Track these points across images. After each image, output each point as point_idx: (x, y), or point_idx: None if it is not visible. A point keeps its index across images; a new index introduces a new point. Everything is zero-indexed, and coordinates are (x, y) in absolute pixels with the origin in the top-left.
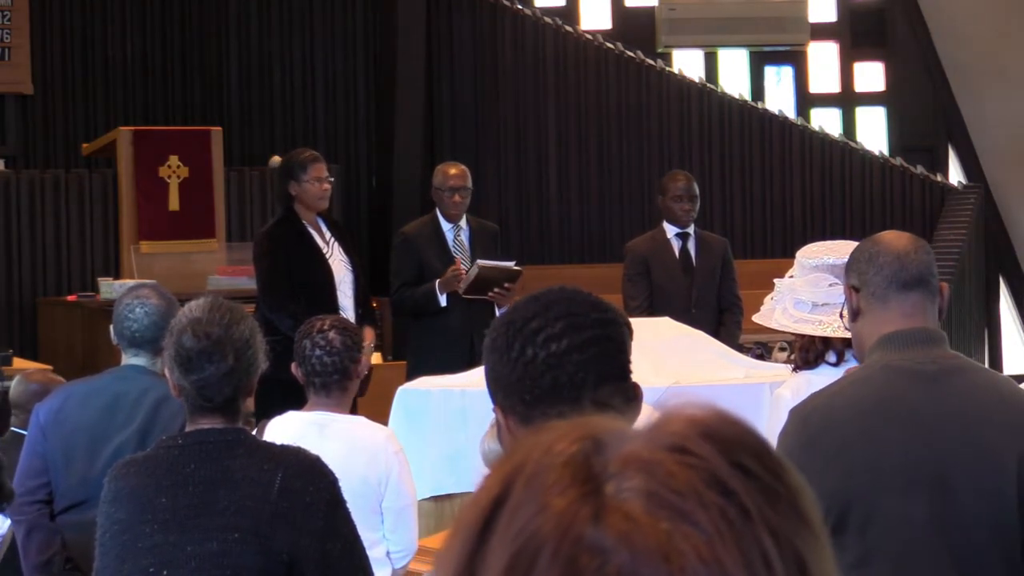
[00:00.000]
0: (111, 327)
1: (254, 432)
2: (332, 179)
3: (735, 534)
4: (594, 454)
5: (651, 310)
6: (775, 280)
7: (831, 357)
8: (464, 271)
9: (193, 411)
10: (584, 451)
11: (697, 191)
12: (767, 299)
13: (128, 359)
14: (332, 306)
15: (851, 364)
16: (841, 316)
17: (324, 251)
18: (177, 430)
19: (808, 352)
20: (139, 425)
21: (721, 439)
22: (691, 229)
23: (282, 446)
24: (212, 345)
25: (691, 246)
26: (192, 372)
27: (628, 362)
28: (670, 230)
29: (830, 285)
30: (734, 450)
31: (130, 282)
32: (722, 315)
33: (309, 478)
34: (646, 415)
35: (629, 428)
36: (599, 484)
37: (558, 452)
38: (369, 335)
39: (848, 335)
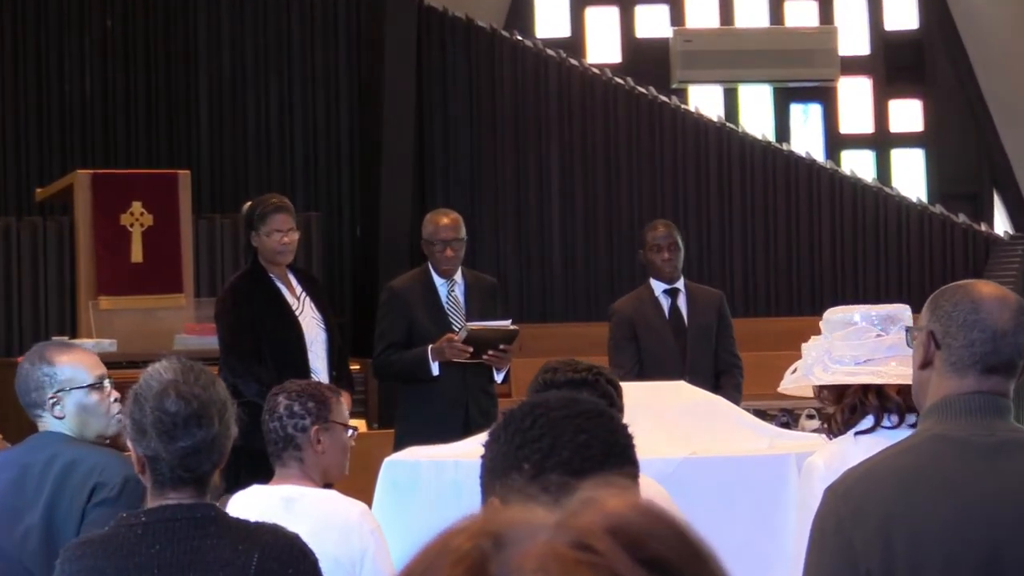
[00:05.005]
0: None
1: None
2: (296, 231)
3: None
4: (493, 552)
5: (641, 378)
6: (803, 345)
7: (887, 421)
8: (455, 338)
9: (162, 484)
10: (481, 548)
11: (679, 239)
12: (789, 370)
13: (41, 424)
14: (303, 369)
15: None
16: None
17: (294, 307)
18: (85, 500)
19: (856, 412)
20: (46, 500)
21: (628, 534)
22: (680, 284)
23: (257, 523)
24: (201, 407)
25: (681, 303)
26: (177, 439)
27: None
28: (657, 287)
29: (876, 336)
30: (642, 545)
31: (89, 342)
32: (719, 379)
33: (288, 559)
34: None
35: (541, 520)
36: None
37: (453, 549)
38: (346, 401)
39: (908, 382)
